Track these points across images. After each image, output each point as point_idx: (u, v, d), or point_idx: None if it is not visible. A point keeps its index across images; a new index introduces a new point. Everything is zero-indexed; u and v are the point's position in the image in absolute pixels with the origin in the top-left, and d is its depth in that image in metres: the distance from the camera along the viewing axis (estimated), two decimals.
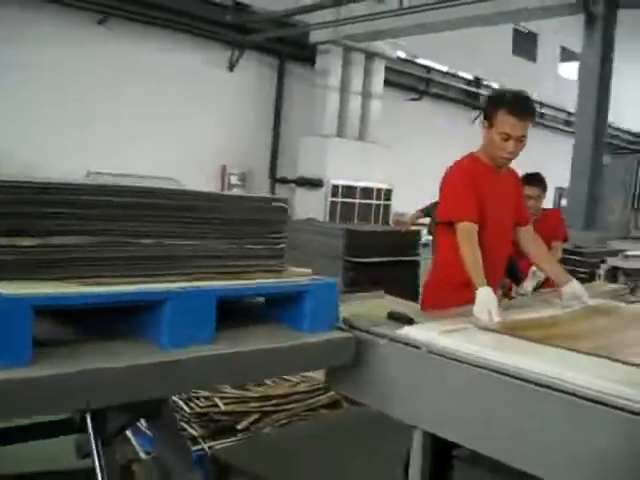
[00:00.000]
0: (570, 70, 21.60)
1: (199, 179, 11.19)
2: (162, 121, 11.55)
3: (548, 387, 1.92)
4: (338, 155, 13.02)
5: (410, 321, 2.49)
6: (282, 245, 2.39)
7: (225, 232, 2.22)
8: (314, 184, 12.75)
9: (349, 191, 13.27)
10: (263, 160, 13.48)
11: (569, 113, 21.03)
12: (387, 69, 14.20)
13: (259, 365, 2.05)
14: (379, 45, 13.61)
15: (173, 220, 2.08)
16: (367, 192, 13.68)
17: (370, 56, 13.73)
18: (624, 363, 2.11)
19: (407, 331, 2.36)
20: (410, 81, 15.21)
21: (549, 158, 19.71)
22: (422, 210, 8.13)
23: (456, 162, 3.19)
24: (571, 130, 21.40)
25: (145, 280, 1.95)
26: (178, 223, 2.09)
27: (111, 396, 1.73)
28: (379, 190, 14.06)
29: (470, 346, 2.20)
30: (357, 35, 12.65)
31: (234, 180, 13.10)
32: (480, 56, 16.56)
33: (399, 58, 14.56)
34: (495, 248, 2.98)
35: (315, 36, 13.16)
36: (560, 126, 20.86)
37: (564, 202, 22.16)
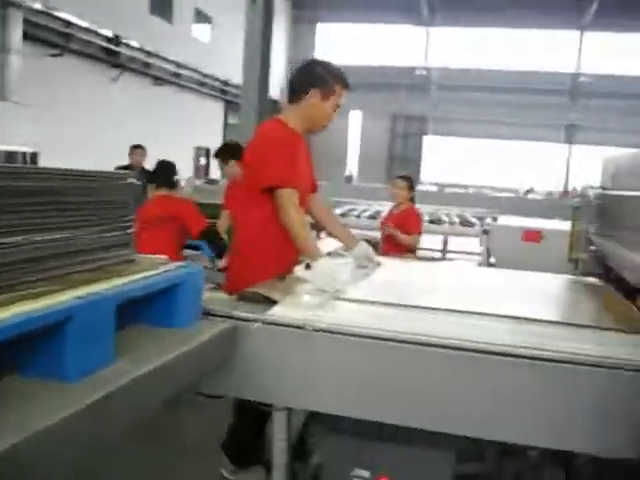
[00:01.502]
0: (203, 32, 22.13)
1: None
2: None
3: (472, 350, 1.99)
4: None
5: (267, 299, 2.32)
6: (132, 230, 2.00)
7: (80, 219, 1.75)
8: None
9: None
10: None
11: (203, 74, 21.60)
12: (26, 22, 12.67)
13: (172, 379, 1.69)
14: None
15: (32, 208, 1.57)
16: (10, 157, 12.18)
17: (5, 5, 12.08)
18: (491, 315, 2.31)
19: (279, 311, 2.20)
20: (50, 35, 13.85)
21: (185, 118, 20.09)
22: None
23: (268, 127, 3.01)
24: (205, 91, 22.15)
25: (18, 295, 1.44)
26: (37, 212, 1.59)
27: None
28: (24, 154, 12.65)
29: (358, 319, 2.14)
30: None
31: None
32: (120, 14, 15.93)
33: (37, 10, 13.13)
34: None
35: None
36: (196, 87, 21.27)
37: (203, 161, 22.98)
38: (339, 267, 2.90)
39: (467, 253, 11.78)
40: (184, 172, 18.52)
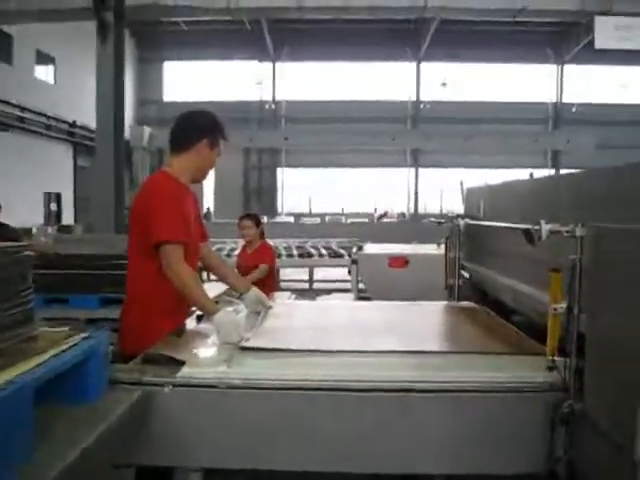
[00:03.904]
0: (46, 73, 21.26)
1: None
2: None
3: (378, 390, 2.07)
4: None
5: (172, 360, 2.27)
6: (32, 305, 1.90)
7: None
8: None
9: None
10: None
11: (48, 117, 20.72)
12: None
13: (95, 460, 1.62)
14: None
15: None
16: None
17: None
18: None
19: (189, 372, 2.16)
20: None
21: (30, 164, 19.11)
22: None
23: (154, 181, 2.95)
24: (52, 134, 21.23)
25: None
26: None
27: None
28: None
29: (268, 371, 2.16)
30: None
31: None
32: None
33: None
34: (194, 267, 2.89)
35: None
36: (41, 130, 20.34)
37: (54, 206, 21.92)
38: (238, 316, 2.91)
39: (333, 281, 12.04)
40: (33, 219, 17.60)
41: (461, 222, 3.74)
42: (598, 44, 15.46)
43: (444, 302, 3.79)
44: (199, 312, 3.01)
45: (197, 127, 2.95)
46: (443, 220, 4.29)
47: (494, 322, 3.07)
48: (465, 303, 3.65)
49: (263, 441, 2.09)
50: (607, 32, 14.77)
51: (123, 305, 2.96)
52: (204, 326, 2.86)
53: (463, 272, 3.90)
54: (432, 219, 6.26)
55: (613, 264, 1.83)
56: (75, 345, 1.84)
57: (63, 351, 1.77)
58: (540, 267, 2.45)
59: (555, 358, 2.10)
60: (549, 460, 2.05)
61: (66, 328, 2.02)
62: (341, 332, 2.88)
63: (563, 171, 23.20)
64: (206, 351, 2.48)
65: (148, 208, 2.75)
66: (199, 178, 3.02)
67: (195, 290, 2.71)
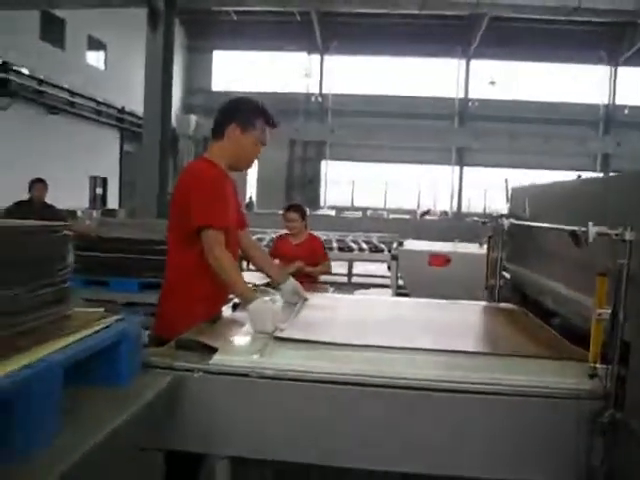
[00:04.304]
0: (97, 59, 21.63)
1: None
2: None
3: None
4: None
5: (205, 346, 2.26)
6: (68, 284, 1.91)
7: (10, 278, 1.64)
8: None
9: None
10: None
11: (97, 102, 21.06)
12: None
13: (123, 443, 1.61)
14: None
15: None
16: None
17: None
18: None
19: (221, 359, 2.15)
20: None
21: (78, 148, 19.46)
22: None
23: (194, 167, 2.96)
24: (100, 119, 21.59)
25: None
26: None
27: None
28: None
29: (301, 362, 2.13)
30: None
31: None
32: (9, 40, 15.26)
33: None
34: (234, 256, 2.90)
35: None
36: (91, 115, 20.70)
37: (99, 190, 22.32)
38: (274, 306, 2.89)
39: (372, 276, 11.96)
40: (79, 202, 17.95)
41: (505, 222, 3.64)
42: None
43: (483, 302, 3.71)
44: (236, 300, 3.01)
45: (228, 111, 2.93)
46: (487, 220, 4.20)
47: (533, 325, 2.99)
48: (504, 304, 3.56)
49: (291, 433, 2.07)
50: None
51: (161, 290, 2.97)
52: (239, 314, 2.85)
53: (504, 273, 3.81)
54: (476, 218, 6.17)
55: None
56: (108, 327, 1.84)
57: (96, 332, 1.77)
58: (586, 270, 2.36)
59: (597, 365, 2.02)
60: (586, 470, 1.98)
61: (101, 309, 2.02)
62: (377, 327, 2.84)
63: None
64: (240, 339, 2.46)
65: (189, 193, 2.75)
66: (239, 166, 2.99)
67: (234, 276, 2.70)
